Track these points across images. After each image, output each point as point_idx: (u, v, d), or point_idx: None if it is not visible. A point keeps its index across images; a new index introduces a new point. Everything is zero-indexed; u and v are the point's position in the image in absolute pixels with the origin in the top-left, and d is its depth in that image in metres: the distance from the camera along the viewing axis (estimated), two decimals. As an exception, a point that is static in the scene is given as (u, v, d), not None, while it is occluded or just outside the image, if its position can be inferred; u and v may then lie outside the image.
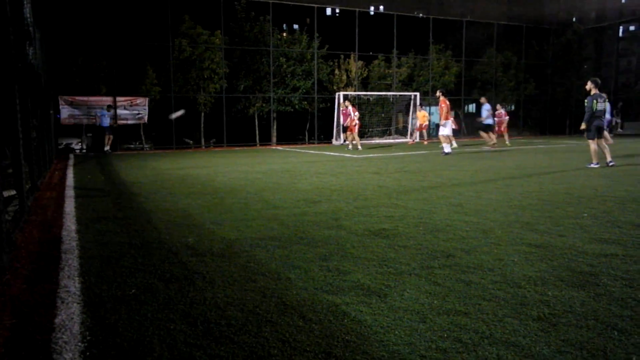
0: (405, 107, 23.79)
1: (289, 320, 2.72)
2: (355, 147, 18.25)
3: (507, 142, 19.30)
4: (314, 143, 22.91)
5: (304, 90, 22.81)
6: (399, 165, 11.81)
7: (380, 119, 23.46)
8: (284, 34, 23.67)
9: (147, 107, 20.34)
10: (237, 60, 21.80)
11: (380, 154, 15.72)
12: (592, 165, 10.38)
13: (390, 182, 8.70)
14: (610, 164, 10.38)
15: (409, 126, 23.14)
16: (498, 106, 20.28)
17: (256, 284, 3.32)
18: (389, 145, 20.37)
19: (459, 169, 10.78)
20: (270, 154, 17.31)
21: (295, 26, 26.02)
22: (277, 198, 7.01)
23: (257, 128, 23.02)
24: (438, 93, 15.01)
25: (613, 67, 31.74)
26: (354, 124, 17.90)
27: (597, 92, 10.42)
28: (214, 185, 8.69)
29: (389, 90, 23.67)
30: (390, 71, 24.31)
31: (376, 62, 24.03)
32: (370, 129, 23.24)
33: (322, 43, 23.23)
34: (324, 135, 23.28)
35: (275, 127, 23.23)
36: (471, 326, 2.61)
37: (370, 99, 23.59)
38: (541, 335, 2.50)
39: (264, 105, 22.38)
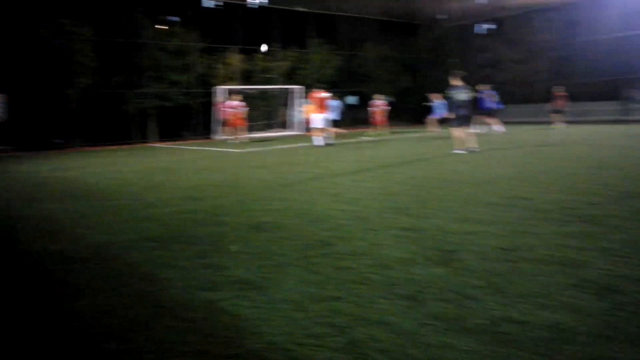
0: (287, 100, 23.99)
1: (165, 322, 2.64)
2: (238, 141, 18.10)
3: (381, 132, 20.32)
4: (196, 139, 22.30)
5: (185, 85, 22.07)
6: (282, 159, 11.91)
7: (263, 113, 23.46)
8: (161, 27, 22.65)
9: (4, 105, 18.34)
10: (109, 53, 20.47)
11: (263, 148, 15.73)
12: (457, 152, 11.25)
13: (273, 175, 8.75)
14: (473, 150, 11.32)
15: (291, 119, 23.41)
16: (377, 97, 21.26)
17: (131, 288, 3.18)
18: (273, 139, 20.45)
19: (339, 159, 11.13)
20: (149, 152, 16.55)
21: (175, 19, 25.02)
22: (154, 197, 6.74)
23: (134, 125, 21.85)
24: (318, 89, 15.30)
25: (474, 61, 34.70)
26: (239, 118, 17.79)
27: (460, 83, 11.33)
28: (84, 187, 8.13)
29: (272, 84, 23.73)
30: (273, 65, 24.38)
31: (258, 55, 23.93)
32: (253, 123, 23.15)
33: (203, 36, 22.61)
34: (207, 130, 22.70)
35: (154, 123, 22.21)
36: (346, 310, 2.72)
37: (253, 92, 23.47)
38: (408, 311, 2.68)
39: (140, 100, 21.28)
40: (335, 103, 18.14)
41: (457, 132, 11.48)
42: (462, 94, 11.31)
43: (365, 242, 4.06)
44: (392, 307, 2.75)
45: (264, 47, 25.40)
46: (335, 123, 18.09)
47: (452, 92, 11.38)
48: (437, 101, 20.74)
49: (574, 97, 26.73)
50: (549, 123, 22.08)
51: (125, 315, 2.74)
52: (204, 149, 16.56)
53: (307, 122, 21.48)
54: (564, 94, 22.48)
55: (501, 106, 20.98)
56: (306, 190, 6.92)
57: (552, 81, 28.42)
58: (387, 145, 14.86)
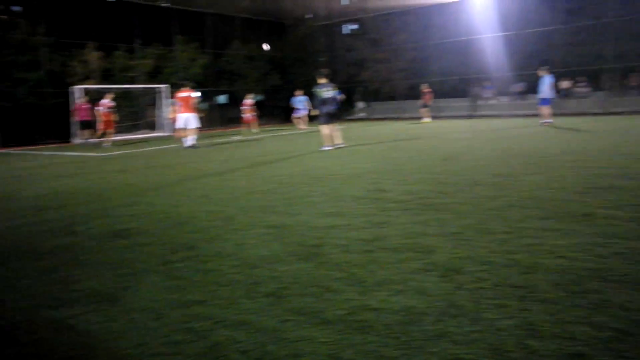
0: (153, 99, 22.89)
1: None
2: (110, 144, 16.94)
3: (254, 131, 20.31)
4: (53, 143, 20.37)
5: (33, 84, 20.01)
6: (147, 161, 11.35)
7: (128, 114, 22.12)
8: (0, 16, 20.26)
9: None
10: None
11: (127, 151, 14.86)
12: (325, 148, 11.60)
13: (137, 179, 8.30)
14: (339, 146, 11.74)
15: (160, 120, 22.41)
16: (248, 96, 21.20)
17: (-41, 315, 2.80)
18: (139, 141, 19.41)
19: (208, 160, 10.89)
20: (-6, 159, 14.79)
21: (17, 8, 22.49)
22: (-2, 209, 6.04)
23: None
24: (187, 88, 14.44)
25: (341, 60, 36.09)
26: (108, 119, 16.67)
27: (325, 81, 11.68)
28: None
29: (134, 83, 22.46)
30: (134, 63, 23.05)
31: (118, 53, 22.44)
32: (118, 125, 21.77)
33: (53, 30, 20.66)
34: (66, 134, 20.78)
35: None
36: (207, 313, 2.66)
37: (116, 92, 22.02)
38: (269, 309, 2.69)
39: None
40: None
41: (324, 129, 11.83)
42: (327, 92, 11.68)
43: (230, 243, 4.00)
44: (254, 305, 2.74)
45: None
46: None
47: (318, 89, 11.71)
48: (300, 98, 21.47)
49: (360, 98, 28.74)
50: (411, 119, 23.63)
51: (-48, 346, 2.41)
52: (62, 154, 15.20)
53: (174, 122, 20.67)
54: (429, 90, 24.56)
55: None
56: (172, 193, 6.66)
57: (411, 80, 30.55)
58: (257, 144, 14.85)
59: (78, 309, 2.78)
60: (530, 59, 24.80)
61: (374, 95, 31.73)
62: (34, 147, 19.32)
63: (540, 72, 16.67)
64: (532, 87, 27.61)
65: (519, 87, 27.35)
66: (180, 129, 14.54)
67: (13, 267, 3.62)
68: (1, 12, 20.49)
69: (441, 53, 29.28)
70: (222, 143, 16.16)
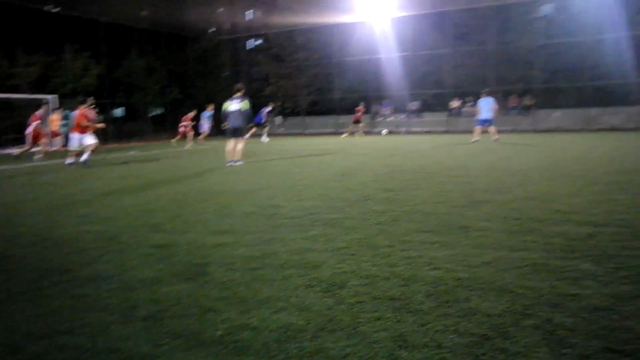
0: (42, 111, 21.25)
1: None
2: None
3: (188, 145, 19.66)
4: None
5: None
6: (30, 179, 10.50)
7: (8, 126, 20.37)
8: None
9: None
10: None
11: (8, 167, 13.65)
12: (230, 164, 11.34)
13: (14, 198, 7.63)
14: (237, 163, 11.45)
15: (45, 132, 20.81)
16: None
17: None
18: (20, 155, 17.91)
19: (97, 177, 10.30)
20: None
21: None
22: None
23: None
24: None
25: (246, 75, 35.98)
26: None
27: (239, 95, 11.40)
28: None
29: (17, 92, 20.75)
30: (16, 71, 21.31)
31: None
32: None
33: None
34: None
35: None
36: (72, 343, 2.48)
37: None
38: (145, 333, 2.57)
39: None
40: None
41: (229, 144, 11.58)
42: (234, 105, 11.40)
43: (110, 265, 3.79)
44: (128, 331, 2.60)
45: None
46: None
47: (226, 102, 11.49)
48: (208, 113, 20.96)
49: (331, 112, 29.59)
50: (323, 135, 24.05)
51: None
52: None
53: (54, 135, 19.15)
54: (363, 109, 25.59)
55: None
56: (52, 213, 6.19)
57: (314, 95, 31.15)
58: (156, 160, 14.30)
59: None
60: (424, 79, 26.34)
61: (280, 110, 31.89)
62: None
63: (482, 95, 17.28)
64: (428, 106, 29.38)
65: (415, 105, 28.92)
66: (74, 146, 13.13)
67: None
68: None
69: (342, 71, 30.22)
70: (117, 159, 15.37)
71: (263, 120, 22.27)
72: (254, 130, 21.53)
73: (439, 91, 27.91)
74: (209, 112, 21.01)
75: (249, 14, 36.82)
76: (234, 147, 11.53)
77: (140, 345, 2.43)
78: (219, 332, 2.55)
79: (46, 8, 23.76)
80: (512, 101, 28.74)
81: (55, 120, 19.10)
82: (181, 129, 20.28)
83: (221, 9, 35.12)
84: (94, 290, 3.23)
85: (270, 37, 32.63)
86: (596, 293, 2.93)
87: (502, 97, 28.79)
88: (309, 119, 31.49)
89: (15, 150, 16.24)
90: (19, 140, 20.47)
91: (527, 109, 27.45)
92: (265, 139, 22.28)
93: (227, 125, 11.57)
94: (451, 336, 2.44)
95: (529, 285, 3.08)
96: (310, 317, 2.71)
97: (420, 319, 2.65)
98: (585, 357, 2.19)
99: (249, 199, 6.65)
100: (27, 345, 2.47)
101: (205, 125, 21.37)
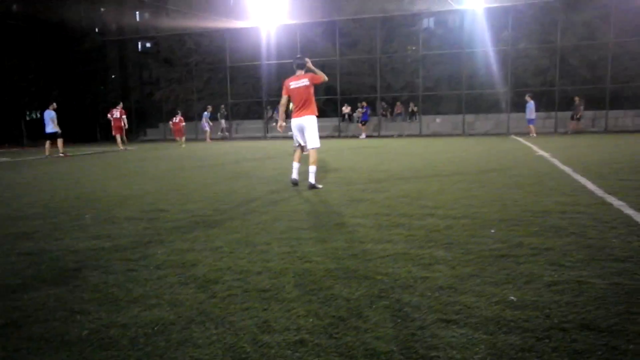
0: None
1: None
2: None
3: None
4: None
5: None
6: None
7: None
8: None
9: None
10: None
11: None
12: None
13: None
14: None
15: None
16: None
17: None
18: None
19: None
20: None
21: None
22: None
23: None
24: None
25: (136, 78, 34.56)
26: None
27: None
28: None
29: None
30: None
31: None
32: None
33: None
34: None
35: None
36: None
37: None
38: (1, 340, 2.50)
39: None
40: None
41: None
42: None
43: (-29, 275, 3.58)
44: (-15, 339, 2.52)
45: None
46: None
47: None
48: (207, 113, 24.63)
49: (225, 117, 29.34)
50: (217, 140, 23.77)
51: None
52: None
53: None
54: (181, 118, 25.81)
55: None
56: None
57: (208, 101, 30.72)
58: (24, 167, 13.34)
59: None
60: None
61: (162, 116, 30.96)
62: None
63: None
64: (320, 112, 30.18)
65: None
66: None
67: None
68: None
69: (236, 76, 30.12)
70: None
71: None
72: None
73: (330, 97, 28.84)
74: (208, 112, 24.97)
75: (137, 16, 35.51)
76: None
77: (-3, 350, 2.38)
78: (85, 332, 2.56)
79: None
80: (399, 108, 30.49)
81: None
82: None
83: (103, 9, 33.46)
84: (-52, 301, 3.06)
85: (160, 40, 31.71)
86: (443, 275, 3.32)
87: (388, 104, 30.44)
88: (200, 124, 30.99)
89: None
90: None
91: (412, 115, 29.26)
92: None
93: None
94: (311, 319, 2.66)
95: (388, 272, 3.41)
96: (182, 311, 2.81)
97: (286, 306, 2.85)
98: (422, 328, 2.52)
99: (130, 203, 6.51)
100: None
101: (207, 125, 24.97)
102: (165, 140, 29.37)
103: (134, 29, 35.40)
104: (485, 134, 26.31)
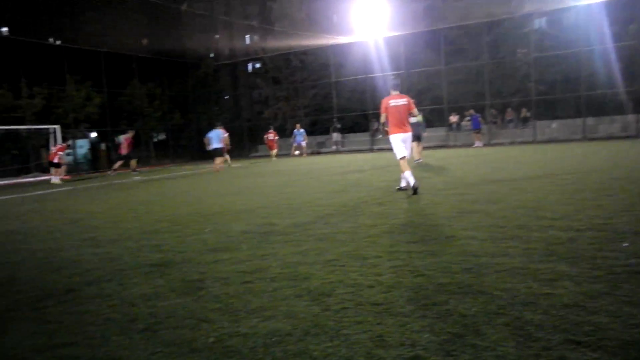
0: (47, 141, 21.70)
1: None
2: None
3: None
4: None
5: None
6: (31, 206, 10.75)
7: (13, 156, 20.77)
8: None
9: None
10: None
11: (11, 196, 13.92)
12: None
13: (18, 225, 7.86)
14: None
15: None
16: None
17: None
18: (24, 185, 18.24)
19: (100, 201, 10.54)
20: None
21: None
22: None
23: None
24: None
25: (247, 97, 36.52)
26: None
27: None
28: None
29: (22, 124, 21.18)
30: (21, 102, 21.78)
31: (1, 92, 21.05)
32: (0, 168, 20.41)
33: None
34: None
35: None
36: (75, 354, 2.67)
37: None
38: (142, 343, 2.75)
39: None
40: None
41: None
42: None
43: (112, 283, 3.98)
44: (127, 342, 2.79)
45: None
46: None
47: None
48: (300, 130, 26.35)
49: (339, 130, 29.86)
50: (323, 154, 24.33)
51: None
52: None
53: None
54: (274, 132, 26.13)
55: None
56: (55, 237, 6.41)
57: (315, 115, 31.56)
58: (154, 184, 14.57)
59: None
60: (419, 96, 26.66)
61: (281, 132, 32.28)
62: None
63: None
64: (427, 122, 29.65)
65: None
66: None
67: None
68: None
69: (339, 90, 30.63)
70: (121, 183, 15.64)
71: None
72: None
73: (436, 107, 28.24)
74: (301, 129, 26.37)
75: (247, 39, 37.51)
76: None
77: (137, 354, 2.62)
78: (211, 340, 2.73)
79: (49, 41, 24.34)
80: (509, 114, 29.05)
81: (61, 149, 19.72)
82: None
83: (217, 36, 35.81)
84: (95, 307, 3.43)
85: (267, 60, 33.22)
86: (568, 292, 3.10)
87: (498, 111, 29.12)
88: (310, 139, 31.81)
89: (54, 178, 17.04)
90: (22, 170, 20.85)
91: (524, 121, 27.73)
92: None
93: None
94: (426, 335, 2.61)
95: (505, 288, 3.25)
96: (297, 323, 2.89)
97: (399, 321, 2.82)
98: (548, 349, 2.36)
99: (244, 217, 6.85)
100: (33, 356, 2.66)
101: (302, 141, 26.48)
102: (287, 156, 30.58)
103: (244, 51, 37.46)
104: (610, 138, 24.16)
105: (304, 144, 26.80)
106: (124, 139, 20.06)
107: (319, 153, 29.33)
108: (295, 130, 26.93)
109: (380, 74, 28.02)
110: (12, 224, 7.98)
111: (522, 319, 2.72)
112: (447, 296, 3.17)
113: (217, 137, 18.19)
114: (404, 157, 8.18)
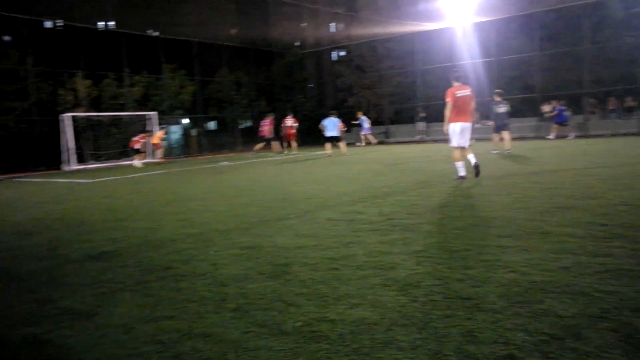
0: (144, 126, 23.19)
1: (-22, 362, 2.53)
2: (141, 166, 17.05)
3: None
4: (39, 170, 20.48)
5: (19, 112, 20.25)
6: (134, 187, 11.52)
7: (117, 140, 22.38)
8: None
9: None
10: None
11: (115, 177, 15.01)
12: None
13: (121, 204, 8.47)
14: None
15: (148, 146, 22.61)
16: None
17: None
18: (128, 167, 19.56)
19: (195, 185, 11.08)
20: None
21: (7, 38, 22.85)
22: (-18, 235, 6.18)
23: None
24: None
25: (331, 86, 36.71)
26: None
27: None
28: None
29: (124, 110, 22.72)
30: (123, 90, 23.37)
31: (107, 81, 22.72)
32: (106, 151, 22.00)
33: (40, 59, 20.95)
34: (56, 161, 20.79)
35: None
36: (174, 327, 2.84)
37: (105, 119, 22.30)
38: (233, 322, 2.88)
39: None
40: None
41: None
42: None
43: (205, 263, 4.19)
44: (220, 319, 2.93)
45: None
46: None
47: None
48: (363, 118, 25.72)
49: (424, 119, 29.35)
50: (407, 143, 23.96)
51: None
52: (48, 181, 15.31)
53: (156, 147, 21.13)
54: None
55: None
56: (153, 217, 6.84)
57: (397, 104, 31.12)
58: (242, 169, 15.06)
59: (53, 325, 2.95)
60: (510, 84, 25.41)
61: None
62: (22, 173, 19.40)
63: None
64: (518, 111, 28.32)
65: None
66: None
67: (-6, 288, 3.79)
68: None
69: (425, 78, 29.91)
70: (210, 168, 16.36)
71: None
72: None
73: (527, 95, 26.79)
74: (363, 117, 26.23)
75: (332, 27, 37.59)
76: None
77: (230, 332, 2.74)
78: (299, 323, 2.80)
79: (147, 32, 25.83)
80: (613, 103, 26.95)
81: (160, 134, 21.29)
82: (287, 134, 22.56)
83: (304, 24, 36.18)
84: (191, 285, 3.63)
85: (352, 48, 33.09)
86: (683, 299, 2.85)
87: (598, 100, 27.13)
88: (393, 128, 31.42)
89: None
90: (123, 153, 22.39)
91: (629, 110, 25.60)
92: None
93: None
94: (520, 334, 2.51)
95: (609, 290, 3.04)
96: (384, 312, 2.89)
97: (491, 317, 2.73)
98: (659, 359, 2.19)
99: (329, 205, 6.91)
100: (139, 326, 2.87)
101: (367, 128, 26.30)
102: (353, 145, 30.59)
103: (329, 39, 37.55)
104: None
105: (369, 132, 26.47)
106: (267, 122, 21.68)
107: (402, 142, 28.90)
108: (361, 118, 26.37)
109: (470, 61, 26.98)
110: (116, 203, 8.61)
111: (630, 326, 2.54)
112: (542, 295, 3.03)
113: (333, 125, 18.76)
114: (461, 147, 8.68)
